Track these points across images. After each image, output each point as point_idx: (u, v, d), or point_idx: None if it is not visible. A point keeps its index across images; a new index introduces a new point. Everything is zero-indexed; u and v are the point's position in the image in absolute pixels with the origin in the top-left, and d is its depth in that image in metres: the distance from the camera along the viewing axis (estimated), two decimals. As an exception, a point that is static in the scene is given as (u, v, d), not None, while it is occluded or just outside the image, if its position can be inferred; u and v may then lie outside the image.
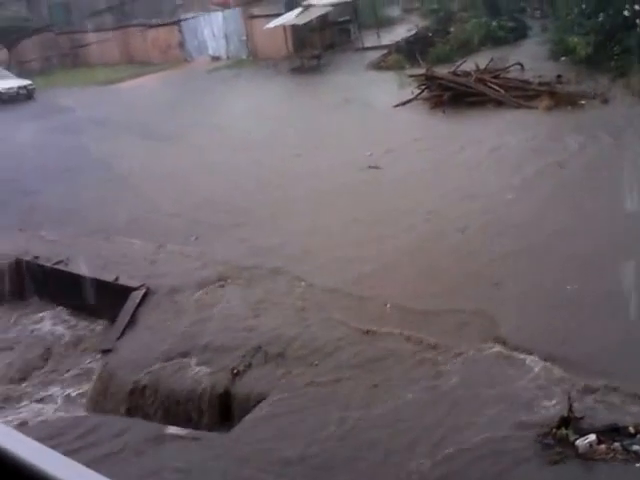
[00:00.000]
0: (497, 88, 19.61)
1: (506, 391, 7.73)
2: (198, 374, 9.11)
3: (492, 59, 21.60)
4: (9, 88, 30.90)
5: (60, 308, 12.96)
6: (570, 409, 7.05)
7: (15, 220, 15.91)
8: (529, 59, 22.29)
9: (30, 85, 31.25)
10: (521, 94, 19.35)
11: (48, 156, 20.72)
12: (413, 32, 29.17)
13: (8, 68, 34.64)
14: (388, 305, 9.88)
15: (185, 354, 9.52)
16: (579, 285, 9.72)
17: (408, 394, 7.88)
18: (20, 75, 32.94)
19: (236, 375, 8.85)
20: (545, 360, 8.14)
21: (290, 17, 29.02)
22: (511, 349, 8.49)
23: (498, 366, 8.23)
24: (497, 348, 8.56)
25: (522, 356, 8.33)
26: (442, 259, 11.23)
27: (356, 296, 10.30)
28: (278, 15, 29.76)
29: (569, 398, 7.14)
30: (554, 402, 7.38)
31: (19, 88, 30.96)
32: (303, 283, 10.95)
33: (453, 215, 12.73)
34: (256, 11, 31.81)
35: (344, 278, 10.86)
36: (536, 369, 8.05)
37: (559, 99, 18.53)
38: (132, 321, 10.86)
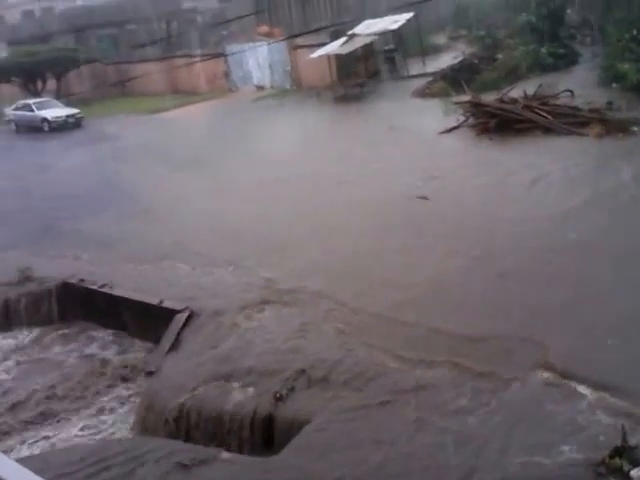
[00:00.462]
0: (546, 115, 19.46)
1: (557, 419, 7.58)
2: (241, 397, 9.12)
3: (540, 86, 21.49)
4: (58, 117, 31.88)
5: (105, 330, 13.16)
6: (624, 438, 6.88)
7: (62, 244, 16.30)
8: (579, 86, 22.12)
9: (78, 114, 32.18)
10: (571, 121, 19.16)
11: (93, 183, 21.25)
12: (459, 59, 29.24)
13: (57, 97, 35.72)
14: (432, 331, 9.79)
15: (228, 377, 9.56)
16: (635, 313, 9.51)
17: (454, 422, 7.77)
18: (69, 104, 33.92)
19: (279, 399, 8.83)
20: (597, 388, 7.96)
21: (334, 47, 29.36)
22: (561, 376, 8.33)
23: (548, 394, 8.08)
24: (546, 375, 8.41)
25: (573, 384, 8.16)
26: (488, 284, 11.10)
27: (400, 321, 10.24)
28: (322, 45, 30.13)
29: (623, 427, 6.97)
30: (607, 431, 7.20)
31: (67, 117, 31.92)
32: (345, 307, 10.93)
33: (501, 242, 12.61)
34: (301, 41, 32.24)
35: (388, 303, 10.82)
36: (588, 397, 7.88)
37: (610, 126, 18.29)
38: (176, 343, 10.98)
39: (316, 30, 32.08)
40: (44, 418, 10.71)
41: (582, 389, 8.04)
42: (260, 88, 34.42)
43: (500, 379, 8.48)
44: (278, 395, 8.84)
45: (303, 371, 9.17)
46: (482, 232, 13.14)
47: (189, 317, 11.58)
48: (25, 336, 13.74)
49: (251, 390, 9.14)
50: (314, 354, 9.59)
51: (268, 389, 9.00)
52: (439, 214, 14.45)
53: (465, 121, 21.08)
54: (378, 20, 30.93)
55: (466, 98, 22.28)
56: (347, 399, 8.49)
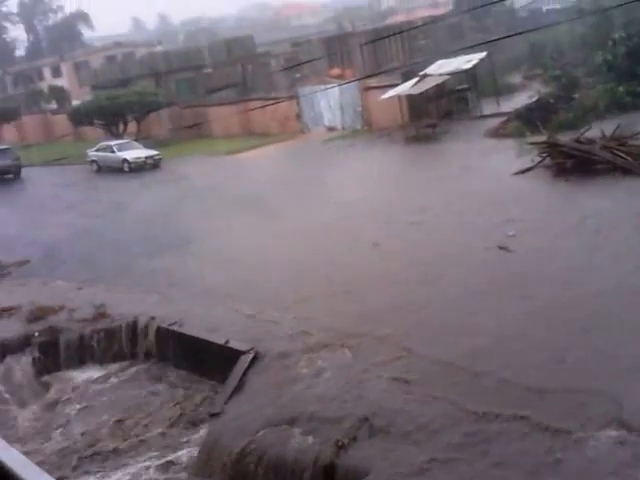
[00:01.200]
0: (624, 156, 18.83)
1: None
2: (303, 444, 8.95)
3: (619, 125, 20.84)
4: (137, 158, 32.85)
5: (173, 367, 13.27)
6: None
7: (136, 282, 16.62)
8: (659, 125, 21.39)
9: (157, 155, 33.08)
10: (651, 162, 18.52)
11: (167, 222, 21.65)
12: (534, 99, 28.76)
13: (137, 139, 36.83)
14: (501, 381, 9.41)
15: (290, 422, 9.41)
16: None
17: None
18: (148, 146, 34.92)
19: (341, 447, 8.61)
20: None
21: (406, 87, 29.37)
22: (637, 435, 7.84)
23: (621, 453, 7.61)
24: (620, 433, 7.93)
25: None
26: (563, 335, 10.63)
27: (467, 370, 9.90)
28: (394, 86, 30.19)
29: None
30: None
31: (146, 158, 32.85)
32: (412, 354, 10.65)
33: (576, 291, 12.13)
34: (372, 82, 32.38)
35: (455, 350, 10.49)
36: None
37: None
38: (240, 384, 10.93)
39: (387, 71, 32.26)
40: (107, 456, 10.79)
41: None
42: (331, 129, 34.68)
43: (570, 436, 8.05)
44: (340, 443, 8.62)
45: (366, 419, 8.94)
46: (555, 282, 12.67)
47: (254, 358, 11.54)
48: (96, 372, 14.02)
49: (313, 437, 8.95)
50: (377, 402, 9.35)
51: (330, 437, 8.79)
52: (516, 264, 13.96)
53: (541, 162, 20.61)
54: (451, 60, 30.83)
55: (542, 138, 21.79)
56: (409, 452, 8.20)
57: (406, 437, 8.48)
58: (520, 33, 26.68)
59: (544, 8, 55.56)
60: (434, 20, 39.47)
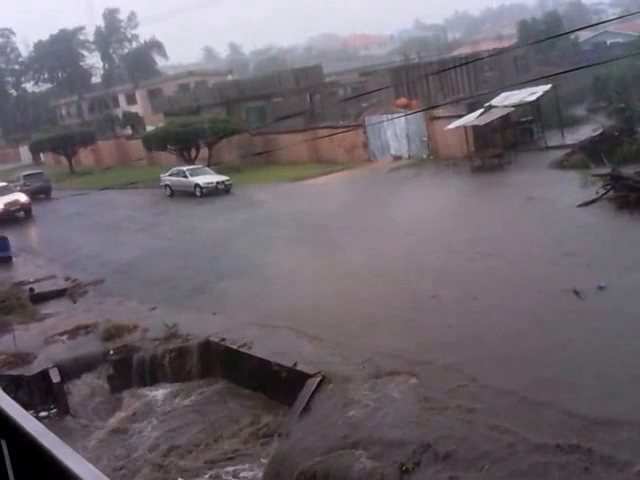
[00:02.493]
0: (689, 190, 18.59)
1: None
2: (367, 467, 9.13)
3: (684, 159, 20.60)
4: (209, 183, 33.64)
5: (242, 388, 13.59)
6: None
7: (206, 304, 17.08)
8: None
9: (227, 181, 33.81)
10: None
11: (238, 246, 22.15)
12: (599, 131, 28.47)
13: (209, 165, 37.73)
14: (565, 413, 9.43)
15: (355, 445, 9.60)
16: None
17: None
18: (219, 172, 35.72)
19: (405, 472, 8.77)
20: None
21: (471, 118, 29.46)
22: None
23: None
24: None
25: None
26: (627, 364, 10.58)
27: (531, 401, 9.95)
28: (459, 116, 30.31)
29: None
30: None
31: (218, 183, 33.59)
32: (476, 383, 10.74)
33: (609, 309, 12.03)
34: (438, 112, 32.58)
35: (521, 381, 10.55)
36: None
37: None
38: (307, 407, 11.17)
39: (452, 102, 32.40)
40: (177, 472, 11.16)
41: None
42: (397, 158, 34.88)
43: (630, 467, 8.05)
44: (404, 468, 8.79)
45: (429, 445, 9.09)
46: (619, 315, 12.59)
47: (321, 382, 11.79)
48: (167, 391, 14.45)
49: (377, 461, 9.13)
50: (440, 429, 9.49)
51: (394, 461, 8.97)
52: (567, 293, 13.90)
53: (605, 194, 20.41)
54: (516, 92, 30.79)
55: (605, 171, 21.61)
56: (472, 478, 8.31)
57: (469, 464, 8.59)
58: (584, 67, 26.56)
59: (608, 42, 55.01)
60: (499, 52, 39.49)
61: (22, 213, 35.53)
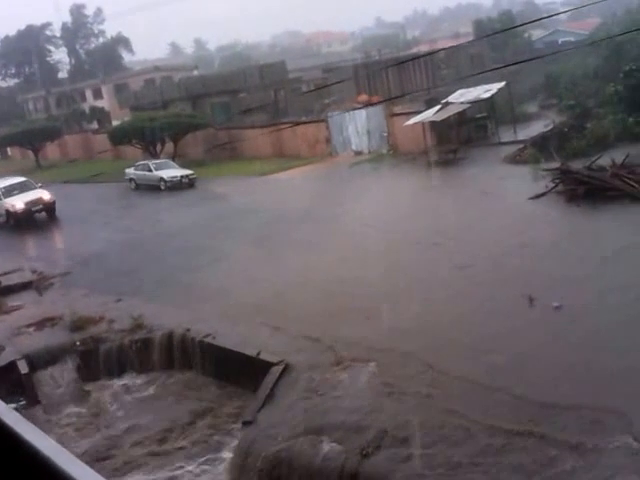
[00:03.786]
0: (633, 184, 18.93)
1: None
2: (330, 452, 9.18)
3: (628, 155, 20.93)
4: (173, 177, 33.35)
5: (206, 377, 13.55)
6: None
7: (171, 296, 16.95)
8: (667, 155, 21.45)
9: (192, 175, 33.54)
10: (659, 190, 18.59)
11: (202, 238, 21.98)
12: (549, 127, 28.90)
13: (173, 159, 37.37)
14: (518, 398, 9.60)
15: (318, 430, 9.65)
16: None
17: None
18: (184, 166, 35.43)
19: (365, 456, 8.84)
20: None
21: (429, 114, 29.65)
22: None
23: (632, 464, 7.78)
24: (631, 445, 8.10)
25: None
26: (575, 353, 10.80)
27: (485, 386, 10.09)
28: (418, 112, 30.49)
29: None
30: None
31: (182, 177, 33.31)
32: (434, 370, 10.86)
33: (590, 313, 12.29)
34: (397, 109, 32.74)
35: (476, 366, 10.69)
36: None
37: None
38: (271, 395, 11.19)
39: (406, 95, 32.58)
40: (143, 460, 11.10)
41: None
42: (358, 153, 34.97)
43: (584, 449, 8.23)
44: (364, 452, 8.86)
45: (388, 430, 9.17)
46: (566, 302, 12.83)
47: (284, 370, 11.81)
48: (134, 380, 14.35)
49: (339, 445, 9.20)
50: (400, 414, 9.58)
51: (355, 446, 9.04)
52: (525, 281, 14.17)
53: (554, 188, 20.75)
54: (471, 89, 31.08)
55: (556, 165, 21.95)
56: (429, 461, 8.41)
57: (426, 447, 8.69)
58: (532, 59, 27.02)
59: (559, 40, 55.86)
60: (455, 49, 39.77)
61: (44, 214, 30.01)
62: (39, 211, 29.75)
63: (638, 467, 7.92)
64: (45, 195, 29.75)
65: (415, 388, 10.32)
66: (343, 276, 16.19)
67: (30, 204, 29.17)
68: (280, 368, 11.84)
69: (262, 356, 12.49)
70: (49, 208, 29.72)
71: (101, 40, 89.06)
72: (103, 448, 11.85)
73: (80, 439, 12.33)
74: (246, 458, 9.85)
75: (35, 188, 30.33)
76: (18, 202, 29.14)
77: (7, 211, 29.37)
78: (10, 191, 30.00)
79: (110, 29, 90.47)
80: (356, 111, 34.22)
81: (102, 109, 62.93)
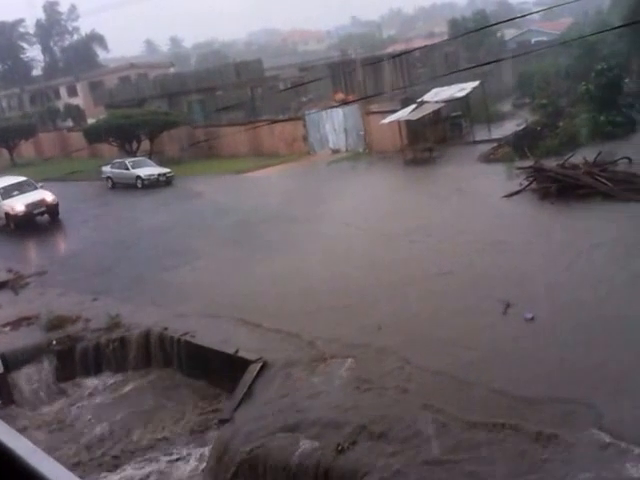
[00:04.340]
0: (605, 181, 19.21)
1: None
2: (306, 448, 9.23)
3: (600, 153, 21.23)
4: (150, 175, 33.14)
5: (184, 376, 13.53)
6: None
7: (148, 294, 16.88)
8: (637, 153, 21.74)
9: (169, 173, 33.36)
10: (629, 187, 18.85)
11: (179, 237, 21.93)
12: (522, 126, 29.22)
13: (150, 157, 37.14)
14: (493, 392, 9.72)
15: (295, 427, 9.69)
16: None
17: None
18: (160, 164, 35.23)
19: (341, 452, 8.90)
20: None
21: (404, 113, 29.79)
22: (615, 438, 8.17)
23: (602, 456, 7.92)
24: (601, 437, 8.25)
25: (626, 445, 8.01)
26: (547, 348, 10.95)
27: (461, 380, 10.21)
28: (394, 111, 30.61)
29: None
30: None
31: (159, 175, 33.13)
32: (410, 365, 10.95)
33: (555, 307, 12.46)
34: (374, 108, 32.86)
35: (452, 363, 10.80)
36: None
37: (669, 193, 17.92)
38: (249, 392, 11.20)
39: (382, 93, 32.73)
40: (118, 459, 11.07)
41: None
42: (335, 151, 35.04)
43: (557, 441, 8.37)
44: (340, 448, 8.92)
45: (365, 426, 9.24)
46: (541, 298, 12.99)
47: (262, 367, 11.83)
48: (111, 378, 14.28)
49: (316, 442, 9.25)
50: (376, 410, 9.65)
51: (331, 442, 9.09)
52: (500, 278, 14.33)
53: (528, 186, 20.97)
54: (446, 88, 31.28)
55: (529, 163, 22.20)
56: (405, 455, 8.50)
57: (403, 442, 8.77)
58: (505, 59, 27.27)
59: (532, 40, 56.48)
60: (430, 48, 40.00)
61: (47, 217, 27.73)
62: (41, 213, 27.54)
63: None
64: (48, 196, 27.63)
65: (392, 383, 10.40)
66: (321, 274, 16.25)
67: (31, 206, 27.00)
68: (258, 366, 11.84)
69: (240, 354, 12.49)
70: (52, 210, 27.55)
71: (75, 37, 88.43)
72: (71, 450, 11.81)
73: (51, 438, 12.27)
74: (222, 456, 9.86)
75: (36, 188, 28.26)
76: (18, 204, 27.02)
77: (7, 214, 27.09)
78: (9, 192, 27.77)
79: (84, 26, 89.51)
80: (333, 109, 34.30)
81: (77, 107, 62.32)
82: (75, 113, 60.76)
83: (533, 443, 8.40)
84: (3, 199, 27.41)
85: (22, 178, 29.15)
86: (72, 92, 68.55)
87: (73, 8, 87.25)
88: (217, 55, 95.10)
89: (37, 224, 27.72)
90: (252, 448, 9.48)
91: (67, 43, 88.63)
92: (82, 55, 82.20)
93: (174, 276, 18.01)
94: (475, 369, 10.50)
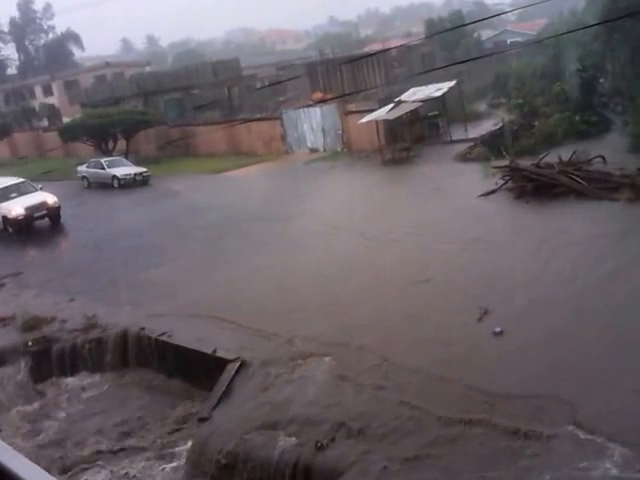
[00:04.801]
0: (579, 180, 19.46)
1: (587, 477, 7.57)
2: (285, 445, 9.28)
3: (575, 152, 21.50)
4: (127, 174, 32.88)
5: (161, 376, 13.50)
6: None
7: (125, 294, 16.80)
8: (611, 152, 22.05)
9: (145, 172, 33.13)
10: (603, 186, 19.11)
11: (155, 237, 21.84)
12: (499, 126, 29.45)
13: (126, 157, 36.91)
14: (469, 388, 9.84)
15: (275, 425, 9.74)
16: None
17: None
18: (137, 163, 35.01)
19: (320, 448, 8.97)
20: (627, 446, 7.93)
21: (382, 112, 29.90)
22: (590, 433, 8.32)
23: (576, 452, 8.06)
24: (576, 432, 8.40)
25: (600, 440, 8.15)
26: (524, 345, 11.10)
27: (437, 377, 10.32)
28: (371, 111, 30.71)
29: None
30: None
31: (135, 175, 32.88)
32: (387, 362, 11.04)
33: (530, 306, 12.64)
34: (351, 107, 32.94)
35: (428, 360, 10.90)
36: (617, 456, 7.85)
37: (640, 191, 18.18)
38: (227, 391, 11.23)
39: (360, 91, 32.86)
40: (99, 459, 11.04)
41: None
42: (313, 151, 35.05)
43: (534, 436, 8.50)
44: (319, 444, 8.99)
45: (343, 422, 9.31)
46: (516, 296, 13.17)
47: (240, 366, 11.86)
48: (88, 379, 14.21)
49: (295, 439, 9.31)
50: (354, 407, 9.73)
51: (310, 438, 9.16)
52: (478, 276, 14.49)
53: (504, 185, 21.17)
54: (423, 88, 31.45)
55: (505, 163, 22.39)
56: (383, 452, 8.58)
57: (380, 438, 8.86)
58: (480, 57, 27.49)
59: (508, 40, 57.03)
60: (407, 48, 40.22)
61: (47, 220, 25.77)
62: (42, 217, 25.55)
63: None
64: (49, 199, 25.70)
65: (370, 381, 10.48)
66: (300, 273, 16.30)
67: (32, 209, 25.01)
68: (236, 365, 11.87)
69: (218, 353, 12.50)
70: (54, 214, 25.65)
71: (51, 36, 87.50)
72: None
73: (23, 437, 12.21)
74: (202, 455, 9.89)
75: (35, 190, 26.37)
76: (17, 207, 25.03)
77: (4, 218, 25.06)
78: (7, 194, 25.80)
79: (60, 24, 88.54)
80: (311, 109, 34.35)
81: (52, 106, 61.65)
82: (50, 112, 60.11)
83: (508, 439, 8.52)
84: (0, 202, 25.52)
85: (20, 179, 27.19)
86: (47, 91, 67.84)
87: (48, 6, 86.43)
88: (194, 54, 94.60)
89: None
90: (231, 446, 9.51)
91: (42, 42, 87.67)
92: (57, 54, 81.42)
93: (152, 276, 17.94)
94: (451, 366, 10.62)
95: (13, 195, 25.83)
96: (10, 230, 25.05)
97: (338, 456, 8.77)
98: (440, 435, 8.76)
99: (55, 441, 12.08)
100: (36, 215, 25.21)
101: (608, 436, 8.19)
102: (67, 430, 12.41)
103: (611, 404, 8.95)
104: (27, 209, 24.94)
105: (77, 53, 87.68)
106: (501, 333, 11.50)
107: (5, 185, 26.29)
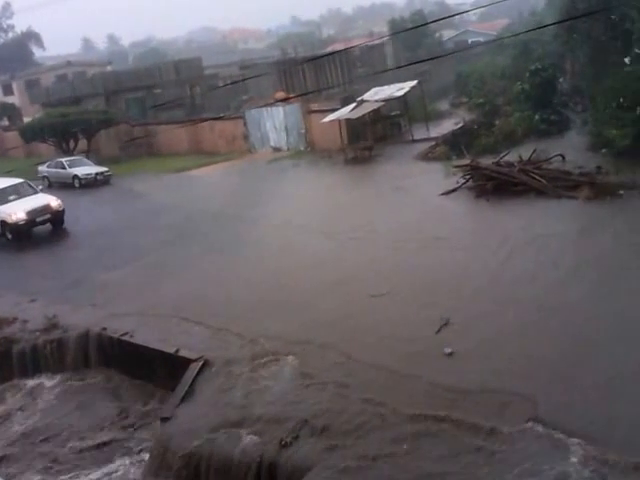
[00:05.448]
0: (539, 178, 19.74)
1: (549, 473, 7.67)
2: (249, 444, 9.24)
3: (535, 150, 21.80)
4: (88, 174, 32.48)
5: (124, 376, 13.34)
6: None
7: (88, 295, 16.56)
8: (570, 150, 22.43)
9: (107, 172, 32.76)
10: (562, 184, 19.40)
11: (116, 238, 21.56)
12: (460, 125, 29.76)
13: (87, 156, 36.42)
14: (431, 384, 9.90)
15: (237, 424, 9.69)
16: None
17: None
18: (98, 163, 34.58)
19: (284, 446, 8.94)
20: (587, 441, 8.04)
21: (345, 112, 29.97)
22: (550, 429, 8.42)
23: (538, 447, 8.16)
24: (537, 428, 8.50)
25: (560, 436, 8.26)
26: (485, 340, 11.21)
27: (400, 373, 10.36)
28: (334, 110, 30.77)
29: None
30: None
31: (97, 174, 32.49)
32: (350, 360, 11.05)
33: (496, 300, 12.77)
34: (314, 106, 32.95)
35: (391, 356, 10.94)
36: (577, 451, 7.96)
37: (599, 189, 18.46)
38: (190, 391, 11.13)
39: (320, 91, 32.92)
40: (59, 462, 10.87)
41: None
42: (276, 149, 34.99)
43: (494, 432, 8.59)
44: (283, 442, 8.96)
45: (307, 420, 9.30)
46: (478, 292, 13.31)
47: (203, 366, 11.76)
48: (49, 381, 13.98)
49: (258, 437, 9.26)
50: (318, 404, 9.72)
51: (274, 436, 9.12)
52: (438, 274, 14.61)
53: (464, 183, 21.36)
54: (385, 87, 31.60)
55: (466, 161, 22.58)
56: (347, 449, 8.59)
57: (345, 436, 8.86)
58: (440, 56, 27.74)
59: (469, 40, 57.71)
60: (370, 48, 40.41)
61: (49, 225, 23.86)
62: (44, 222, 23.66)
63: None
64: (53, 201, 23.81)
65: (333, 378, 10.48)
66: (263, 272, 16.24)
67: (34, 213, 23.11)
68: (199, 364, 11.77)
69: (181, 353, 12.38)
70: (57, 218, 23.82)
71: (10, 35, 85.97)
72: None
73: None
74: (164, 454, 9.78)
75: (35, 191, 24.55)
76: (18, 210, 23.09)
77: (3, 222, 23.09)
78: (5, 196, 23.78)
79: (20, 24, 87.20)
80: (273, 108, 34.27)
81: (13, 105, 60.62)
82: (11, 112, 59.11)
83: (470, 434, 8.60)
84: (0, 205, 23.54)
85: (18, 180, 24.99)
86: (8, 91, 66.72)
87: (7, 5, 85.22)
88: (156, 53, 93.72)
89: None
90: (194, 446, 9.43)
91: (1, 41, 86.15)
92: (18, 53, 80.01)
93: (114, 276, 17.71)
94: (415, 362, 10.67)
95: (12, 197, 23.84)
96: (9, 236, 23.21)
97: (302, 453, 8.74)
98: (402, 432, 8.78)
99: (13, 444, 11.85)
100: (39, 220, 23.36)
101: (569, 432, 8.30)
102: (26, 434, 12.17)
103: (571, 400, 9.07)
104: (29, 213, 23.03)
105: (38, 52, 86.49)
106: (451, 354, 10.96)
107: (3, 187, 24.21)
